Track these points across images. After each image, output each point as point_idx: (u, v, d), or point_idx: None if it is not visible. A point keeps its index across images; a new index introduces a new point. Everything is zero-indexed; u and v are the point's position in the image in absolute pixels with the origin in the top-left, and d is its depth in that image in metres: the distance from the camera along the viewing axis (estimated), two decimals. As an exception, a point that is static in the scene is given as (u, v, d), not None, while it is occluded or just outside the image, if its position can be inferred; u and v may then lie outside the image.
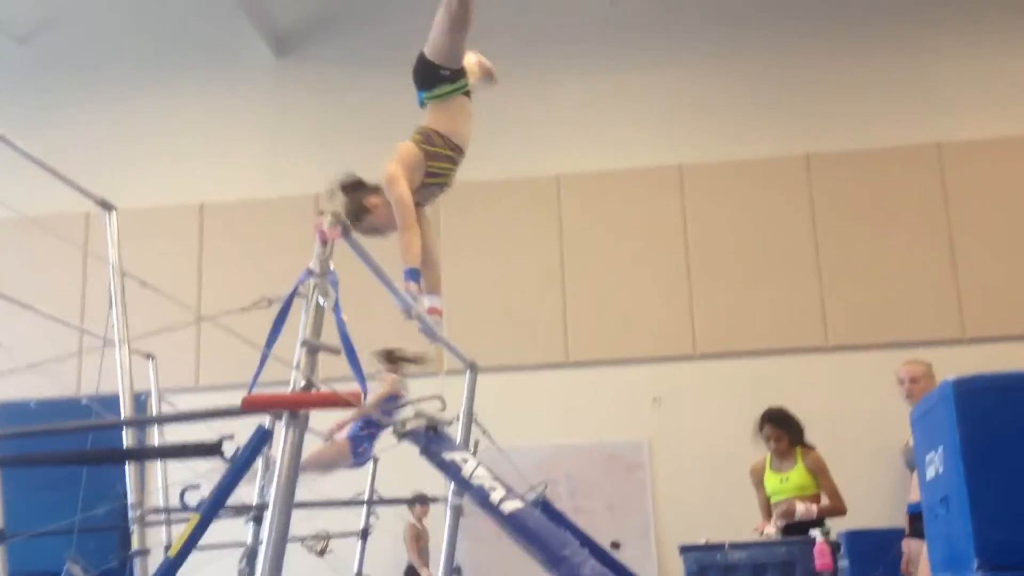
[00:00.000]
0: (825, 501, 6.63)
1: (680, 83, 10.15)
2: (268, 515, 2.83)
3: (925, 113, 9.84)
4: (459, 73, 4.49)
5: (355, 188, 4.60)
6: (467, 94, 4.55)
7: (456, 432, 4.90)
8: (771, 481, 6.83)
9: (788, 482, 6.73)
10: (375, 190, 4.51)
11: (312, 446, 5.37)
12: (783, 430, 6.82)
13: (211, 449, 2.95)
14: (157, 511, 5.79)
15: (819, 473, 6.70)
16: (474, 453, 4.55)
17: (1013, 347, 8.88)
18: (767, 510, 6.86)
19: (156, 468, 6.72)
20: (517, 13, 10.14)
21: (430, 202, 4.64)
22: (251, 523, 5.42)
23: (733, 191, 9.81)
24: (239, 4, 9.98)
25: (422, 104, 4.58)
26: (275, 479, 2.88)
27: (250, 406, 2.94)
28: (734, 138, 9.96)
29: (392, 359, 6.38)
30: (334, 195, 4.80)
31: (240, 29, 10.35)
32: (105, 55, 10.82)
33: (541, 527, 3.30)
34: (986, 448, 3.31)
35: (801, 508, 6.50)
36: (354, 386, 3.10)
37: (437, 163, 4.46)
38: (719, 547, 6.09)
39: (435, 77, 4.47)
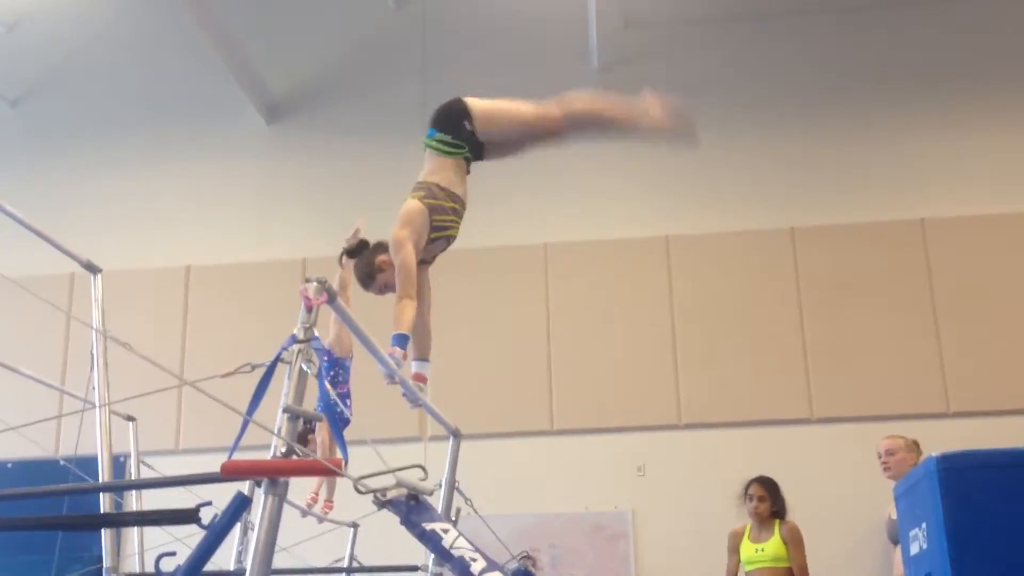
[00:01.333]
0: None
1: (667, 155, 10.26)
2: (245, 583, 2.80)
3: (909, 189, 9.96)
4: (478, 142, 4.50)
5: (363, 249, 4.63)
6: (468, 164, 4.57)
7: (438, 500, 4.86)
8: (747, 550, 6.82)
9: (764, 552, 6.73)
10: (384, 248, 4.54)
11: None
12: (769, 493, 6.83)
13: (188, 516, 2.91)
14: (132, 577, 5.70)
15: (793, 544, 6.69)
16: (455, 522, 4.51)
17: (997, 422, 8.88)
18: None
19: (132, 533, 6.63)
20: (505, 81, 10.26)
21: (435, 255, 4.65)
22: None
23: (719, 262, 9.87)
24: (231, 71, 10.08)
25: (428, 140, 4.56)
26: (253, 546, 2.84)
27: (230, 472, 2.92)
28: (720, 210, 10.05)
29: None
30: (343, 260, 4.84)
31: (231, 96, 10.45)
32: (96, 119, 10.89)
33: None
34: (970, 525, 3.30)
35: None
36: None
37: (441, 216, 4.45)
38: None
39: (458, 126, 4.46)
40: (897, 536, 5.74)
